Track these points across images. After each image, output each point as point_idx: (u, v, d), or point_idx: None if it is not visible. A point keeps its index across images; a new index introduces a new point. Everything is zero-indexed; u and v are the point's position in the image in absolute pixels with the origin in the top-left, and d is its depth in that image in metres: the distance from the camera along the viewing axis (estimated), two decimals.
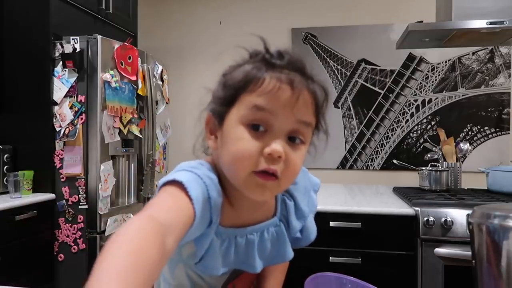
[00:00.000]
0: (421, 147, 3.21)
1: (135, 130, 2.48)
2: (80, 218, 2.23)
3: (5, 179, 2.19)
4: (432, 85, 3.20)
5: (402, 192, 2.06)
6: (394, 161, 3.25)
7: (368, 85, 3.28)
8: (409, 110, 3.23)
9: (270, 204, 0.70)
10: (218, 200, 0.60)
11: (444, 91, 3.18)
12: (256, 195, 0.59)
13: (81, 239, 2.22)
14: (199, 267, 0.63)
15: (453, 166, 2.18)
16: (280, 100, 0.56)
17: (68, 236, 2.24)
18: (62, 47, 2.25)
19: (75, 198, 2.24)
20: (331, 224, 1.76)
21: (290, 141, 0.58)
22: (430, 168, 2.11)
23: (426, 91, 3.21)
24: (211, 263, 0.63)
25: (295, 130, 0.58)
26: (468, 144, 2.24)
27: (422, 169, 2.14)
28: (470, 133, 3.14)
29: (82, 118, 2.24)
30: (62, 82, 2.26)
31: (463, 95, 3.16)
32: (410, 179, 2.63)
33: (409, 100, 3.23)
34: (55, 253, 2.25)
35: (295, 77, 0.57)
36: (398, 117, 3.25)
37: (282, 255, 0.71)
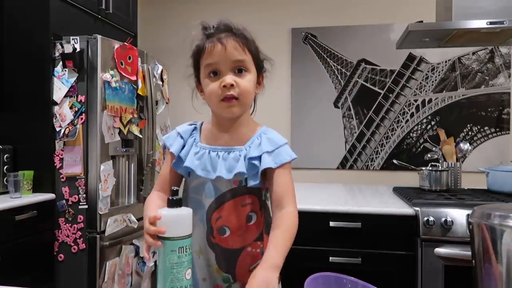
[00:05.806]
0: (421, 147, 3.21)
1: (135, 130, 2.48)
2: (80, 218, 2.23)
3: (5, 179, 2.19)
4: (432, 85, 3.20)
5: (402, 192, 2.06)
6: (394, 161, 3.24)
7: (368, 85, 3.28)
8: (409, 110, 3.23)
9: (244, 137, 0.99)
10: (188, 128, 1.04)
11: (444, 91, 3.18)
12: (227, 113, 0.96)
13: (81, 239, 2.22)
14: (184, 166, 0.98)
15: (453, 166, 2.18)
16: (217, 53, 0.93)
17: (68, 236, 2.24)
18: (62, 47, 2.24)
19: (75, 198, 2.24)
20: (331, 224, 1.76)
21: (238, 72, 0.94)
22: (430, 168, 2.11)
23: (426, 91, 3.21)
24: (190, 160, 0.98)
25: (236, 66, 0.94)
26: (468, 144, 2.25)
27: (422, 169, 2.15)
28: (470, 133, 3.14)
29: (82, 118, 2.24)
30: (62, 82, 2.26)
31: (463, 95, 3.16)
32: (410, 179, 2.63)
33: (409, 100, 3.23)
34: (55, 253, 2.25)
35: (221, 35, 0.94)
36: (398, 117, 3.25)
37: (239, 168, 0.98)
